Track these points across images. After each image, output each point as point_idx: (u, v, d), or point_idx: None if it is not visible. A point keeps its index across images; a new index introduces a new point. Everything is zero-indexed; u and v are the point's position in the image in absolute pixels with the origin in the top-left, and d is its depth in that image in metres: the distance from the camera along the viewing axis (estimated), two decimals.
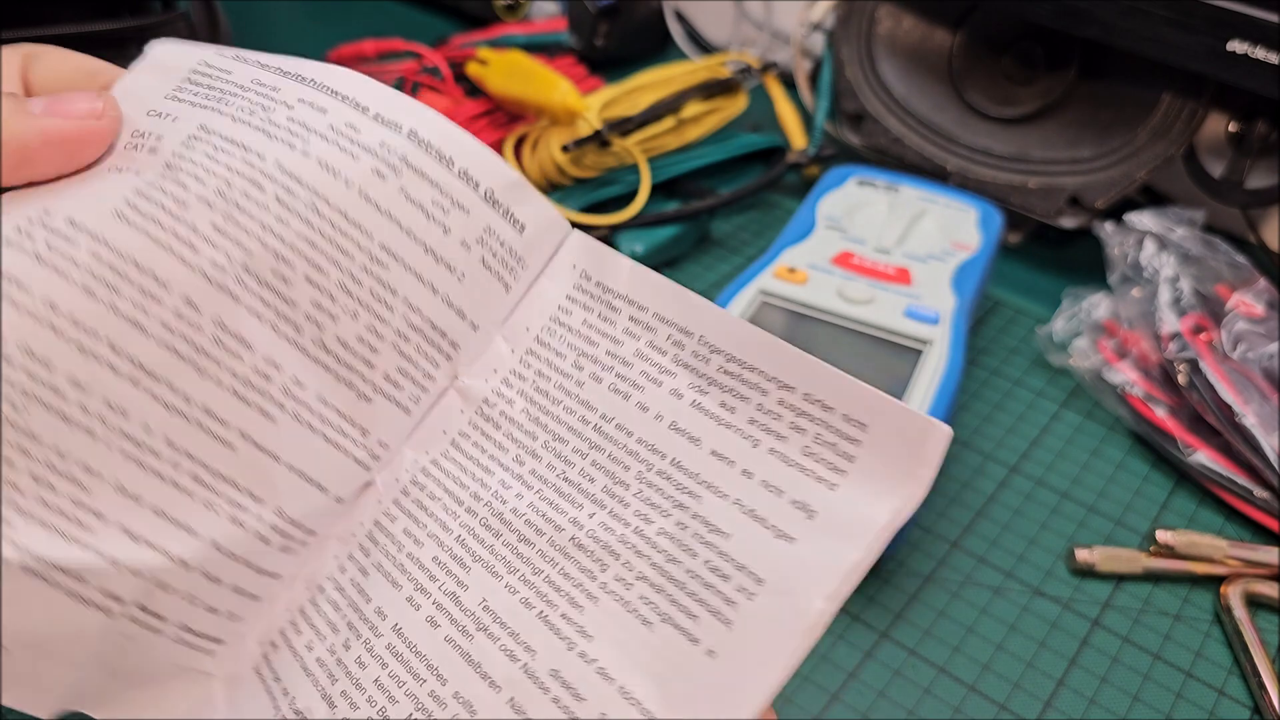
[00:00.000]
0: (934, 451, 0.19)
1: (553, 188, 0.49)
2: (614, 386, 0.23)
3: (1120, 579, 0.36)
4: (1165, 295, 0.42)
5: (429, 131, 0.23)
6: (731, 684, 0.18)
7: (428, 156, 0.23)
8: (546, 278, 0.25)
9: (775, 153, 0.54)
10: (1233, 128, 0.48)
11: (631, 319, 0.23)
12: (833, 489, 0.20)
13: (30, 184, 0.21)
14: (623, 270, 0.24)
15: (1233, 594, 0.35)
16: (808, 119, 0.57)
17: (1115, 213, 0.47)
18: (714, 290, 0.47)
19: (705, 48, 0.65)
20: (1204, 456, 0.39)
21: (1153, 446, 0.41)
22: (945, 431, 0.19)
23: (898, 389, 0.36)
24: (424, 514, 0.23)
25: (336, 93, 0.23)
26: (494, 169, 0.24)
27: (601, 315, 0.24)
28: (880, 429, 0.20)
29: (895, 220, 0.44)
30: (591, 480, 0.22)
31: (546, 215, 0.25)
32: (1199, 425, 0.39)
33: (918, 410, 0.20)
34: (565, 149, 0.47)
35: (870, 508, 0.19)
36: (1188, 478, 0.40)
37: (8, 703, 0.20)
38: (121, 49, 0.40)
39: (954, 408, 0.40)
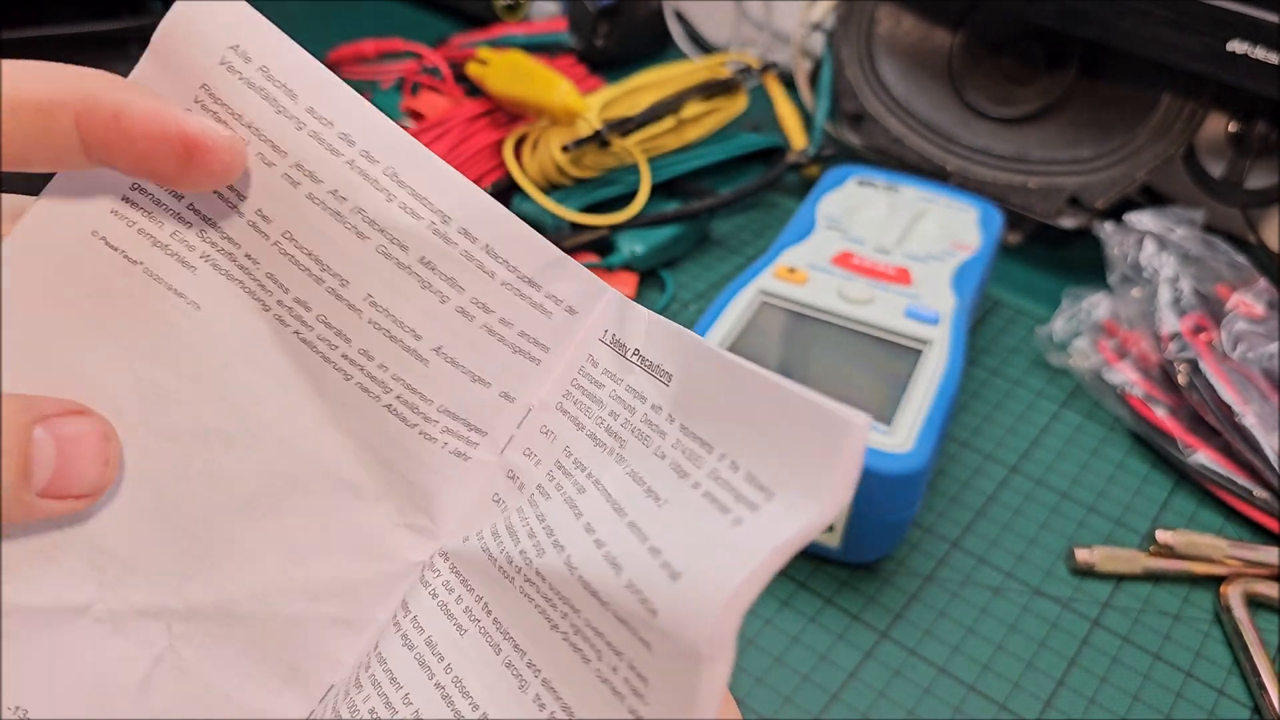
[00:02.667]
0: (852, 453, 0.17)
1: (552, 188, 0.49)
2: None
3: (1120, 579, 0.36)
4: (1165, 295, 0.42)
5: (465, 212, 0.22)
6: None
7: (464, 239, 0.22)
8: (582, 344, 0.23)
9: (775, 153, 0.54)
10: (1233, 128, 0.48)
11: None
12: (736, 525, 0.18)
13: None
14: (640, 326, 0.22)
15: (1232, 594, 0.35)
16: (808, 119, 0.57)
17: (1115, 213, 0.47)
18: (714, 290, 0.47)
19: (705, 48, 0.65)
20: (1204, 457, 0.39)
21: (1152, 447, 0.41)
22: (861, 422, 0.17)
23: (897, 389, 0.36)
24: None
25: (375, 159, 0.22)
26: (532, 248, 0.22)
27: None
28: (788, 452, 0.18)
29: (895, 220, 0.44)
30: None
31: (586, 284, 0.23)
32: (1199, 425, 0.39)
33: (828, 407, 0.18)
34: (565, 149, 0.47)
35: (776, 531, 0.17)
36: (1187, 478, 0.40)
37: None
38: (122, 49, 0.40)
39: (954, 408, 0.40)
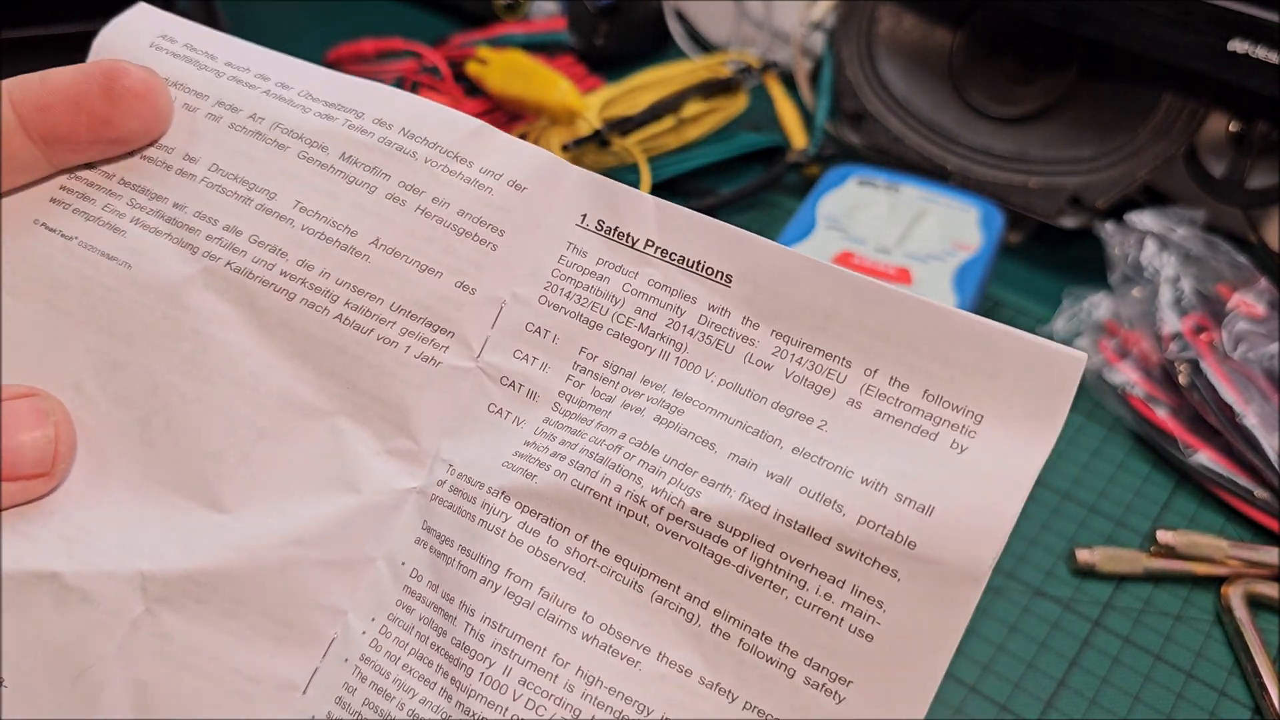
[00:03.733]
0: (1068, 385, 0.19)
1: None
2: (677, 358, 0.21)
3: (1121, 579, 0.36)
4: (1166, 295, 0.42)
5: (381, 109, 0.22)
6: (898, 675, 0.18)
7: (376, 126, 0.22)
8: (549, 231, 0.22)
9: (775, 152, 0.54)
10: (1234, 127, 0.48)
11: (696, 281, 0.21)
12: (961, 452, 0.19)
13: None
14: (648, 212, 0.22)
15: (1234, 594, 0.35)
16: (808, 119, 0.57)
17: (1116, 212, 0.47)
18: None
19: (705, 47, 0.65)
20: (1205, 457, 0.39)
21: (1153, 447, 0.41)
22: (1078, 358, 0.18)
23: None
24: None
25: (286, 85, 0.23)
26: (449, 121, 0.22)
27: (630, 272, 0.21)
28: (1004, 377, 0.19)
29: (896, 220, 0.44)
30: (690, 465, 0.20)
31: (529, 159, 0.22)
32: (1200, 426, 0.39)
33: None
34: (565, 148, 0.46)
35: (1004, 463, 0.18)
36: (1188, 478, 0.40)
37: None
38: None
39: None
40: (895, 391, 0.20)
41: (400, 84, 0.53)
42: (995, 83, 0.52)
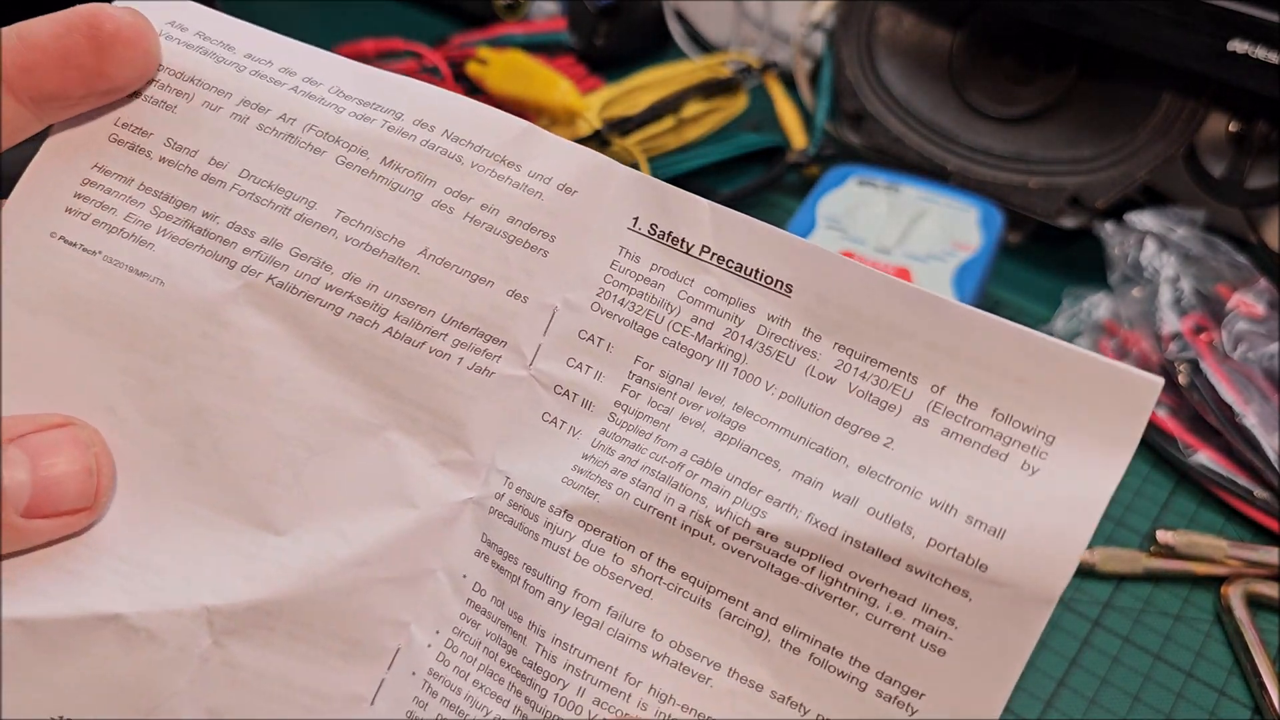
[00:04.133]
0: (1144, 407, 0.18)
1: None
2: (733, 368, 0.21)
3: (1121, 579, 0.36)
4: (1166, 295, 0.42)
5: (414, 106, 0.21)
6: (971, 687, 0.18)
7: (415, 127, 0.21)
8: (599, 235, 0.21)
9: (775, 153, 0.54)
10: (1233, 127, 0.48)
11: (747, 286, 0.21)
12: (1033, 474, 0.19)
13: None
14: (703, 217, 0.21)
15: (1233, 594, 0.35)
16: (808, 119, 0.57)
17: (1116, 212, 0.47)
18: None
19: (705, 47, 0.65)
20: (1204, 457, 0.39)
21: (1153, 447, 0.41)
22: (1155, 384, 0.18)
23: None
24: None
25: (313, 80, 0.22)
26: (493, 122, 0.21)
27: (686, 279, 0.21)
28: (1077, 397, 0.19)
29: (895, 220, 0.44)
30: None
31: (578, 160, 0.21)
32: (1199, 426, 0.39)
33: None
34: None
35: (1077, 483, 0.18)
36: (1188, 478, 0.40)
37: None
38: None
39: None
40: (964, 410, 0.19)
41: None
42: (995, 83, 0.52)
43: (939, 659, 0.19)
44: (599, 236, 0.21)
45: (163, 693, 0.20)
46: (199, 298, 0.21)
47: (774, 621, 0.19)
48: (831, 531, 0.19)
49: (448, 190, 0.21)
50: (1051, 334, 0.44)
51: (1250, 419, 0.38)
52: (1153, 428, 0.40)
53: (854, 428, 0.20)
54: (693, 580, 0.20)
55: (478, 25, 0.62)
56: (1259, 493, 0.37)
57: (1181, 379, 0.40)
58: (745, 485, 0.20)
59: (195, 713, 0.20)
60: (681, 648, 0.20)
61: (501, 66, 0.49)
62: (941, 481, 0.19)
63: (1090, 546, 0.36)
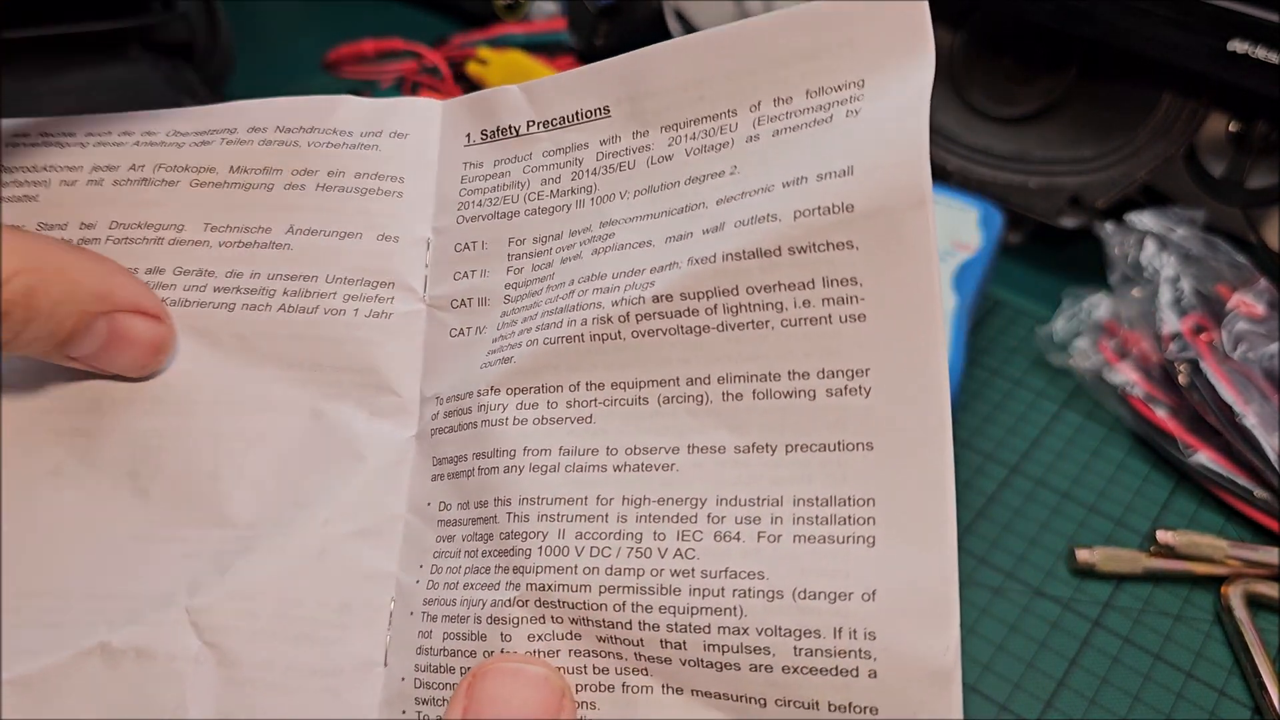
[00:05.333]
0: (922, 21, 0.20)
1: None
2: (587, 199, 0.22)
3: (1121, 579, 0.36)
4: (1166, 295, 0.42)
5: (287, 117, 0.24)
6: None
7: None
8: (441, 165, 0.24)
9: None
10: (1233, 127, 0.48)
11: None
12: (858, 115, 0.20)
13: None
14: (518, 100, 0.23)
15: (1233, 594, 0.35)
16: None
17: (1116, 212, 0.47)
18: None
19: None
20: (1204, 457, 0.39)
21: (1153, 447, 0.41)
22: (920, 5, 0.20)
23: None
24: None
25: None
26: (310, 106, 0.24)
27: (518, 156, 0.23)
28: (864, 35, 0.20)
29: None
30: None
31: (398, 109, 0.24)
32: (1199, 426, 0.39)
33: None
34: None
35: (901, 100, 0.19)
36: (1188, 478, 0.40)
37: None
38: (122, 49, 0.40)
39: (954, 408, 0.40)
40: (782, 108, 0.20)
41: (400, 84, 0.53)
42: (995, 83, 0.52)
43: (864, 326, 0.18)
44: (443, 165, 0.23)
45: (165, 708, 0.20)
46: None
47: (706, 381, 0.20)
48: (712, 259, 0.19)
49: (294, 171, 0.23)
50: (1052, 334, 0.44)
51: (1250, 419, 0.38)
52: (1153, 428, 0.40)
53: (701, 178, 0.21)
54: (622, 386, 0.20)
55: (478, 25, 0.62)
56: (1259, 493, 0.37)
57: (1181, 379, 0.40)
58: (630, 274, 0.20)
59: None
60: (637, 450, 0.20)
61: (501, 66, 0.49)
62: (787, 168, 0.20)
63: (1090, 546, 0.36)
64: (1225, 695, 0.33)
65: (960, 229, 0.43)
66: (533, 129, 0.23)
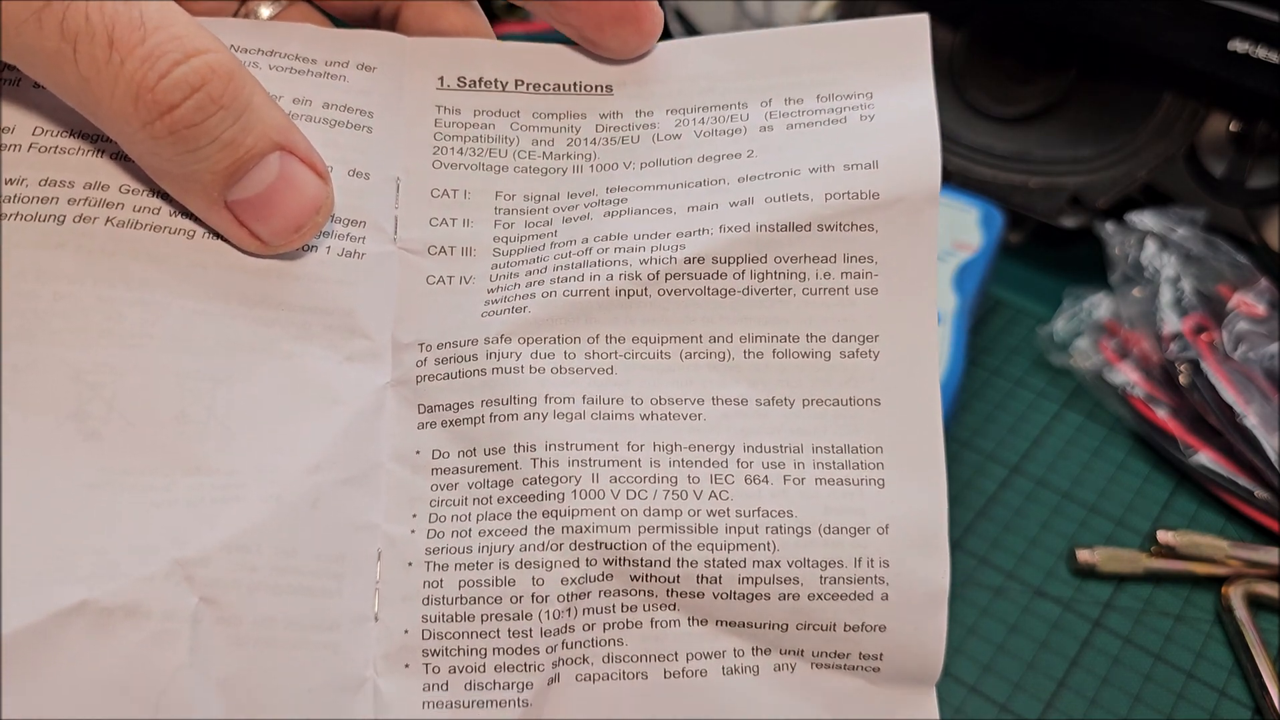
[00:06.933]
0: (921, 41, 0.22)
1: None
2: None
3: (1121, 579, 0.36)
4: (1166, 295, 0.42)
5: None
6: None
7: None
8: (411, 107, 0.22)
9: None
10: (1234, 127, 0.48)
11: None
12: (872, 120, 0.21)
13: None
14: (504, 56, 0.23)
15: (1234, 595, 0.35)
16: None
17: (1116, 212, 0.47)
18: None
19: None
20: (1205, 457, 0.39)
21: (1154, 447, 0.41)
22: (921, 20, 0.22)
23: None
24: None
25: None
26: (279, 31, 0.22)
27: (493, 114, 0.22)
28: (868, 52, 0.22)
29: None
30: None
31: (364, 41, 0.22)
32: (1200, 426, 0.39)
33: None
34: None
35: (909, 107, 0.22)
36: (1189, 478, 0.40)
37: None
38: None
39: (955, 408, 0.40)
40: (794, 107, 0.22)
41: None
42: (995, 82, 0.52)
43: (875, 299, 0.21)
44: (412, 103, 0.22)
45: (163, 674, 0.18)
46: (37, 262, 0.19)
47: (729, 340, 0.21)
48: (745, 229, 0.21)
49: None
50: (1052, 334, 0.44)
51: (1251, 419, 0.38)
52: (1153, 428, 0.40)
53: (716, 157, 0.22)
54: (644, 340, 0.21)
55: None
56: (1260, 493, 0.37)
57: (1182, 379, 0.40)
58: (655, 236, 0.21)
59: (206, 689, 0.18)
60: (662, 400, 0.21)
61: None
62: (811, 154, 0.21)
63: (1090, 546, 0.36)
64: (1226, 695, 0.33)
65: (960, 229, 0.43)
66: (521, 88, 0.23)
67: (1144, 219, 0.45)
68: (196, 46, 0.17)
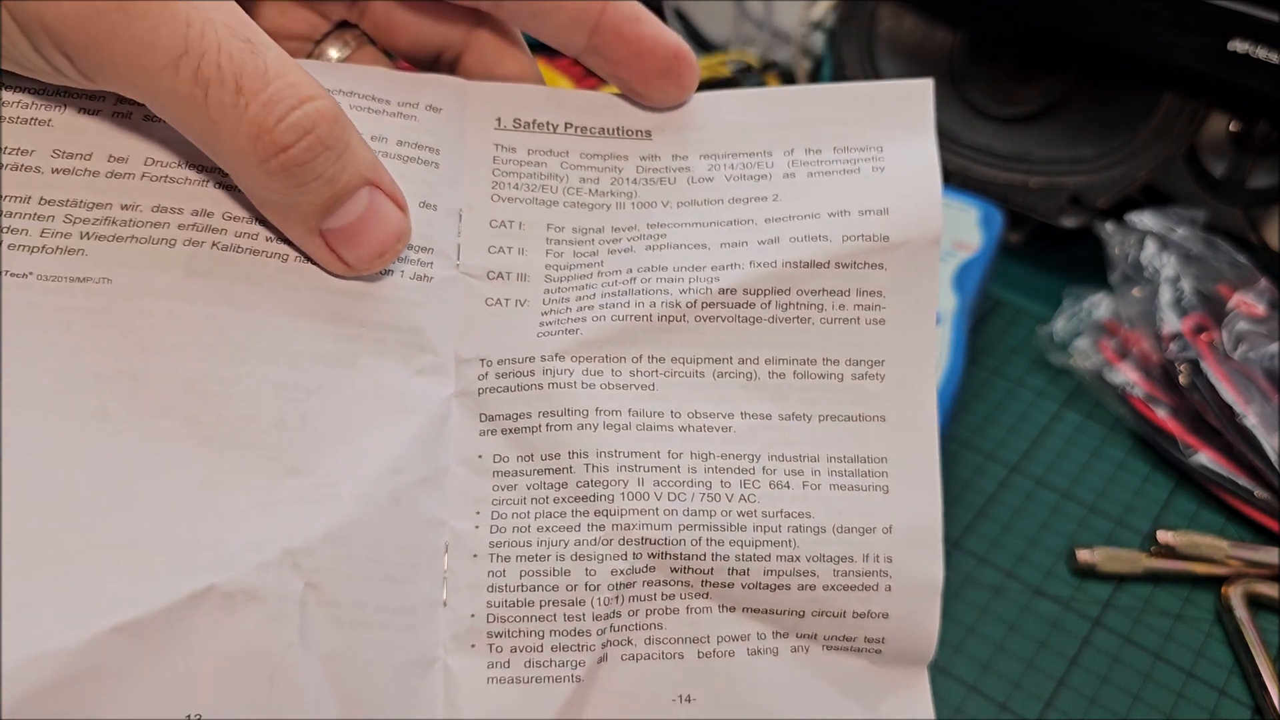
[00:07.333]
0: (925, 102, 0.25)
1: None
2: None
3: (1121, 579, 0.36)
4: (1166, 295, 0.42)
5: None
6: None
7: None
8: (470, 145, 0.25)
9: None
10: (1234, 127, 0.48)
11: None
12: (883, 171, 0.25)
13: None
14: (554, 101, 0.25)
15: (1234, 594, 0.35)
16: None
17: (1116, 212, 0.47)
18: None
19: (706, 47, 0.65)
20: (1205, 457, 0.39)
21: (1154, 447, 0.41)
22: (926, 84, 0.25)
23: None
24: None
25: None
26: (359, 75, 0.24)
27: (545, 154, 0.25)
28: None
29: None
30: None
31: (429, 85, 0.25)
32: (1200, 426, 0.39)
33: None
34: None
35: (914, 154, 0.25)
36: (1189, 478, 0.40)
37: None
38: None
39: (955, 408, 0.40)
40: (813, 157, 0.25)
41: None
42: (996, 83, 0.52)
43: (883, 328, 0.24)
44: (472, 142, 0.25)
45: (276, 652, 0.20)
46: (151, 282, 0.21)
47: (756, 362, 0.24)
48: (772, 264, 0.23)
49: None
50: (1052, 334, 0.44)
51: (1251, 419, 0.38)
52: (1153, 428, 0.40)
53: (744, 200, 0.25)
54: (681, 361, 0.24)
55: None
56: (1260, 493, 0.37)
57: (1182, 379, 0.40)
58: (692, 269, 0.24)
59: (311, 665, 0.20)
60: (697, 414, 0.23)
61: None
62: (828, 200, 0.24)
63: (1090, 546, 0.36)
64: (1226, 695, 0.33)
65: (960, 229, 0.43)
66: (570, 130, 0.25)
67: (1144, 219, 0.45)
68: (309, 93, 0.19)
